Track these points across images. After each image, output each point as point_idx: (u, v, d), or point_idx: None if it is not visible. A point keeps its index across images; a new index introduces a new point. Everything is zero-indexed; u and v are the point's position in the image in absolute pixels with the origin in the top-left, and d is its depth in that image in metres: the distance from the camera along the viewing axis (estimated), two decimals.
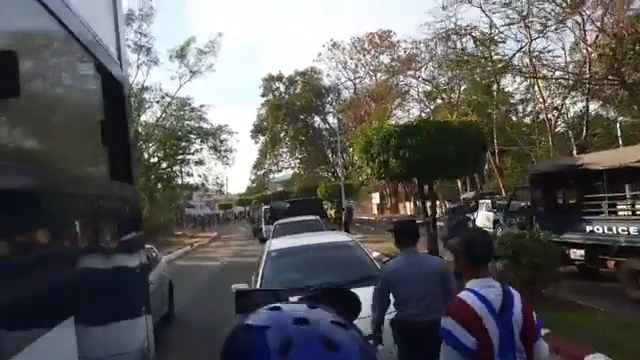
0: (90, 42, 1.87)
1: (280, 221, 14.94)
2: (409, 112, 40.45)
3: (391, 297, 3.61)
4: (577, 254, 9.45)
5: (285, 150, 53.58)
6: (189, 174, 42.36)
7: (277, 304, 0.81)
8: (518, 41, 23.78)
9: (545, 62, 23.35)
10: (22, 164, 1.27)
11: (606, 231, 8.68)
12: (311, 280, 5.31)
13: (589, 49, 20.89)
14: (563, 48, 24.01)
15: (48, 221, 1.41)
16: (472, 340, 2.09)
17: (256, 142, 52.48)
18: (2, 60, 1.15)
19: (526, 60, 23.75)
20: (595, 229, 8.90)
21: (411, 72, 34.95)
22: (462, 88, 32.02)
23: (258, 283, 5.31)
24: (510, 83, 29.31)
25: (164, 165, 38.37)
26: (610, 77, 20.29)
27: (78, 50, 1.78)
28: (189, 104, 38.44)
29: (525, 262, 7.02)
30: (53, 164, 1.54)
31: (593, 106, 25.52)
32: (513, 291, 2.28)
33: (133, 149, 2.62)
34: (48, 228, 1.40)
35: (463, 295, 2.25)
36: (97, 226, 1.84)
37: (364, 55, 46.32)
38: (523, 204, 14.05)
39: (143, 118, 34.74)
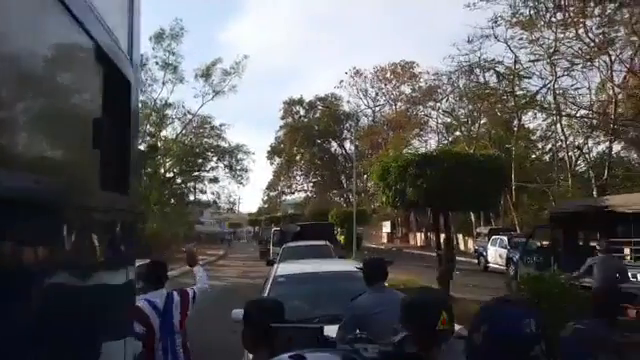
0: (89, 19, 1.52)
1: (289, 244, 14.62)
2: (426, 142, 40.25)
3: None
4: None
5: (299, 173, 53.63)
6: (202, 191, 42.51)
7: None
8: (542, 78, 23.57)
9: (570, 100, 23.02)
10: None
11: (631, 278, 8.22)
12: (318, 310, 5.00)
13: (616, 89, 20.52)
14: (589, 87, 23.65)
15: (7, 242, 1.10)
16: (142, 328, 3.43)
17: (271, 163, 52.67)
18: None
19: (549, 98, 23.48)
20: None
21: (431, 103, 34.88)
22: (482, 122, 31.74)
23: None
24: (531, 120, 28.98)
25: (179, 180, 38.58)
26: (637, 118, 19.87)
27: (71, 24, 1.42)
28: (209, 122, 38.94)
29: (547, 307, 6.57)
30: (18, 167, 1.18)
31: (616, 147, 24.97)
32: (174, 294, 3.77)
33: (135, 156, 2.20)
34: (8, 252, 1.09)
35: (139, 302, 3.43)
36: (76, 245, 1.49)
37: (385, 84, 46.62)
38: (540, 243, 13.55)
39: (164, 133, 35.20)
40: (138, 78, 2.14)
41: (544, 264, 10.46)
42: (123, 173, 1.98)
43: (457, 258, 15.49)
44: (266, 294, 5.36)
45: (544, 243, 12.99)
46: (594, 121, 23.06)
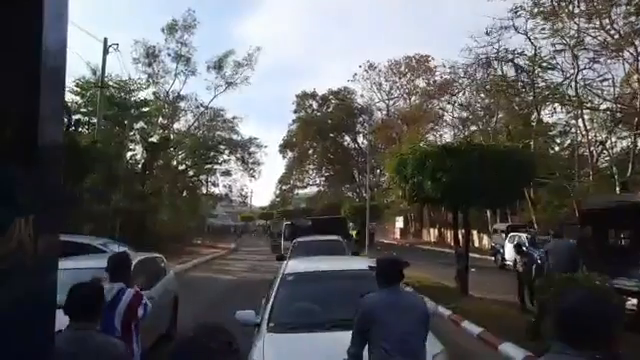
0: None
1: (300, 239, 14.16)
2: (441, 137, 39.48)
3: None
4: (629, 303, 8.44)
5: (312, 167, 53.19)
6: (215, 184, 42.45)
7: None
8: (563, 71, 22.72)
9: (595, 91, 22.11)
10: None
11: None
12: (329, 314, 4.52)
13: None
14: (613, 80, 22.72)
15: None
16: None
17: (284, 157, 52.35)
18: None
19: (570, 92, 22.64)
20: None
21: (447, 97, 34.10)
22: (499, 116, 30.88)
23: (267, 311, 4.54)
24: (550, 114, 28.09)
25: (191, 173, 38.48)
26: None
27: None
28: (222, 115, 38.74)
29: None
30: None
31: None
32: (128, 290, 3.64)
33: (58, 101, 1.34)
34: None
35: None
36: None
37: (400, 78, 45.91)
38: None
39: (176, 126, 35.05)
40: None
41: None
42: (25, 125, 1.12)
43: (473, 255, 14.97)
44: (274, 293, 4.93)
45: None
46: (618, 114, 22.17)
